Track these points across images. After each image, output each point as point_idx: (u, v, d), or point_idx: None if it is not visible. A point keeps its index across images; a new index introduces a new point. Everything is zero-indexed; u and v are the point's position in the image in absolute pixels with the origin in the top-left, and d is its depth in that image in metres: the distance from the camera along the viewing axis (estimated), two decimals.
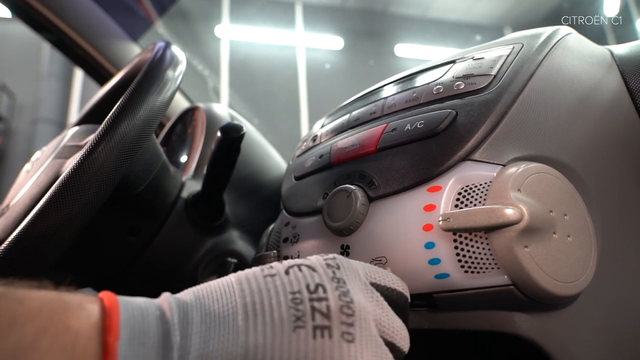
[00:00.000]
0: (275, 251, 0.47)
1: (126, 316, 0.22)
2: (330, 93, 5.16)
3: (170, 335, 0.22)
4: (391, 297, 0.30)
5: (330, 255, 0.29)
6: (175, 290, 0.28)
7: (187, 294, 0.25)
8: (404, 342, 0.28)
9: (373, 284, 0.29)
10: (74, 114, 4.98)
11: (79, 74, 5.09)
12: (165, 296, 0.25)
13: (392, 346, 0.27)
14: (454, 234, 0.33)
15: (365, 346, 0.24)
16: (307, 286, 0.25)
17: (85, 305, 0.21)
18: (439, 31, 6.10)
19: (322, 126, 0.55)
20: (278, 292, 0.25)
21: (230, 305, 0.24)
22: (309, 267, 0.27)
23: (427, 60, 0.51)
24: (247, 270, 0.27)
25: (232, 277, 0.26)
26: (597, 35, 0.52)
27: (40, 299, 0.20)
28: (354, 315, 0.25)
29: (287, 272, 0.26)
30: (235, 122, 0.53)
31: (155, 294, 0.28)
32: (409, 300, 0.32)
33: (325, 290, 0.25)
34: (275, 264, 0.27)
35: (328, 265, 0.27)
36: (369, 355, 0.24)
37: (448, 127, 0.37)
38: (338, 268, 0.27)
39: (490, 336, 0.36)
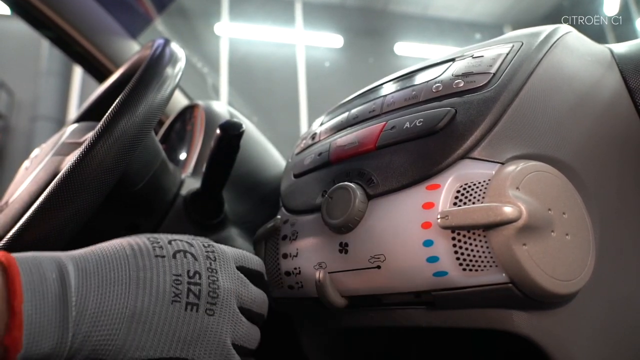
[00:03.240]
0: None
1: (27, 280, 0.26)
2: (330, 91, 5.16)
3: (67, 296, 0.27)
4: (251, 275, 0.39)
5: (210, 247, 0.36)
6: None
7: (88, 259, 0.30)
8: (261, 307, 0.38)
9: (239, 267, 0.37)
10: (73, 112, 4.97)
11: (78, 72, 5.08)
12: (65, 260, 0.29)
13: (249, 312, 0.36)
14: (453, 231, 0.33)
15: (222, 317, 0.33)
16: (188, 272, 0.33)
17: None
18: (439, 29, 6.09)
19: (321, 124, 0.55)
20: (165, 272, 0.32)
21: (125, 275, 0.30)
22: (192, 255, 0.34)
23: (426, 58, 0.51)
24: (140, 244, 0.32)
25: (127, 251, 0.32)
26: (596, 34, 0.52)
27: None
28: (218, 297, 0.33)
29: (174, 256, 0.33)
30: (235, 119, 0.53)
31: None
32: (264, 274, 0.41)
33: (200, 277, 0.33)
34: (165, 244, 0.33)
35: (207, 257, 0.34)
36: (224, 322, 0.33)
37: (447, 125, 0.37)
38: (214, 260, 0.35)
39: (489, 334, 0.36)
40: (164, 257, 0.32)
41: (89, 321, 0.28)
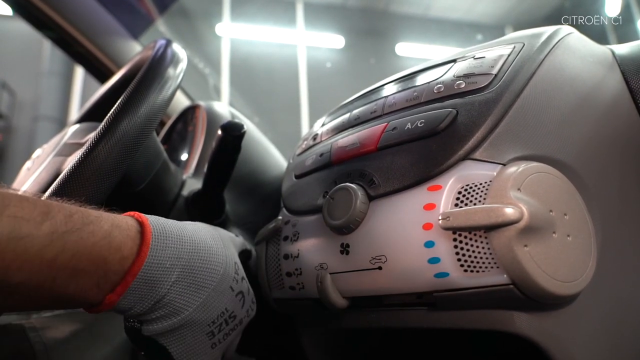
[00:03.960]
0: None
1: (148, 264, 0.32)
2: (331, 92, 5.16)
3: (165, 288, 0.34)
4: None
5: (254, 304, 0.43)
6: None
7: (195, 258, 0.36)
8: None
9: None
10: (75, 112, 4.98)
11: (79, 72, 5.09)
12: (182, 251, 0.35)
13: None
14: (454, 233, 0.33)
15: (214, 354, 0.39)
16: (232, 312, 0.39)
17: (128, 244, 0.32)
18: (440, 30, 6.09)
19: (323, 125, 0.55)
20: (224, 303, 0.38)
21: (205, 291, 0.36)
22: (244, 301, 0.40)
23: (428, 59, 0.51)
24: (229, 268, 0.39)
25: (220, 269, 0.38)
26: (598, 35, 0.52)
27: (109, 225, 0.32)
28: (221, 343, 0.39)
29: (237, 295, 0.39)
30: (236, 120, 0.53)
31: None
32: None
33: (233, 320, 0.39)
34: (239, 279, 0.40)
35: (247, 311, 0.41)
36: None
37: (448, 126, 0.37)
38: (248, 317, 0.41)
39: (490, 335, 0.36)
40: (233, 291, 0.39)
41: (161, 308, 0.34)
